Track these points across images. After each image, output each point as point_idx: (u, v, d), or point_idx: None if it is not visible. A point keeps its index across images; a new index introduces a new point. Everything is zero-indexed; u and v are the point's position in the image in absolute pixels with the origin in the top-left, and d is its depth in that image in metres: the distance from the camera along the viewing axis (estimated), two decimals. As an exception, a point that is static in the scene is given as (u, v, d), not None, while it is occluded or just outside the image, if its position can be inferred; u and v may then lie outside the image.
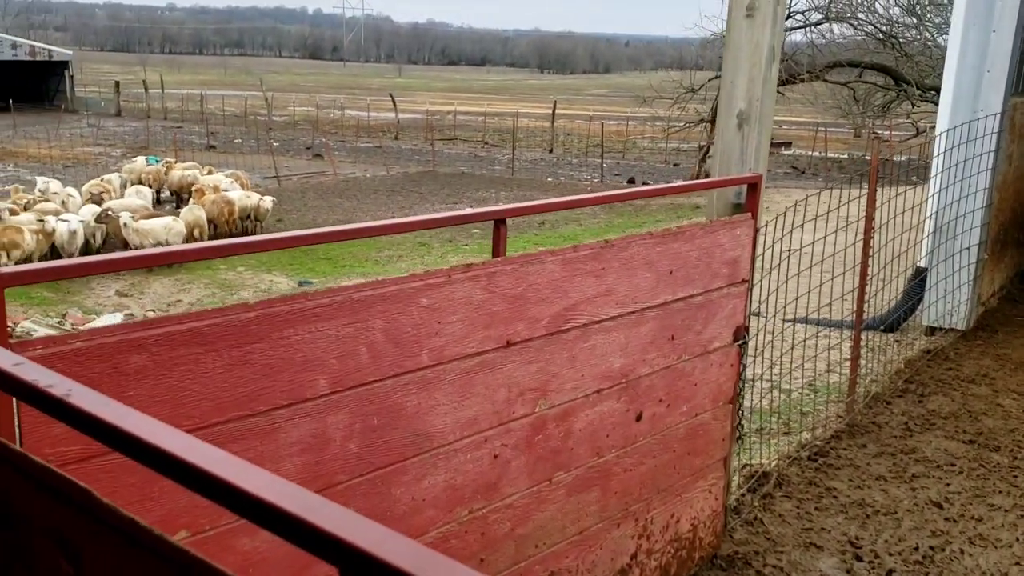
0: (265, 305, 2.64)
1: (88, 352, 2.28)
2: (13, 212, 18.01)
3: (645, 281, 3.83)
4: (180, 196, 25.63)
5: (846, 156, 40.44)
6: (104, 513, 1.33)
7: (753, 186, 4.38)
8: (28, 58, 59.30)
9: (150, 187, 24.85)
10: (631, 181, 32.41)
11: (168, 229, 17.89)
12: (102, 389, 2.42)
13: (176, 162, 28.48)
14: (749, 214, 4.38)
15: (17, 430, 2.19)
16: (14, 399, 2.22)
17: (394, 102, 53.78)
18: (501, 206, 3.49)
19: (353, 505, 2.93)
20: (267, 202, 21.78)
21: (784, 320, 6.47)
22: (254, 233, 21.47)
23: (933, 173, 7.77)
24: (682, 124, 32.61)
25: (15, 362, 1.52)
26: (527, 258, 3.34)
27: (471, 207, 25.68)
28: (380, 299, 2.90)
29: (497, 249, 3.29)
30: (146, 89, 62.08)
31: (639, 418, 4.00)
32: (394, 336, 2.96)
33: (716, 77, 31.31)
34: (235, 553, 2.64)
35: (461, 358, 3.18)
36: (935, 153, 7.73)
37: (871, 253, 6.39)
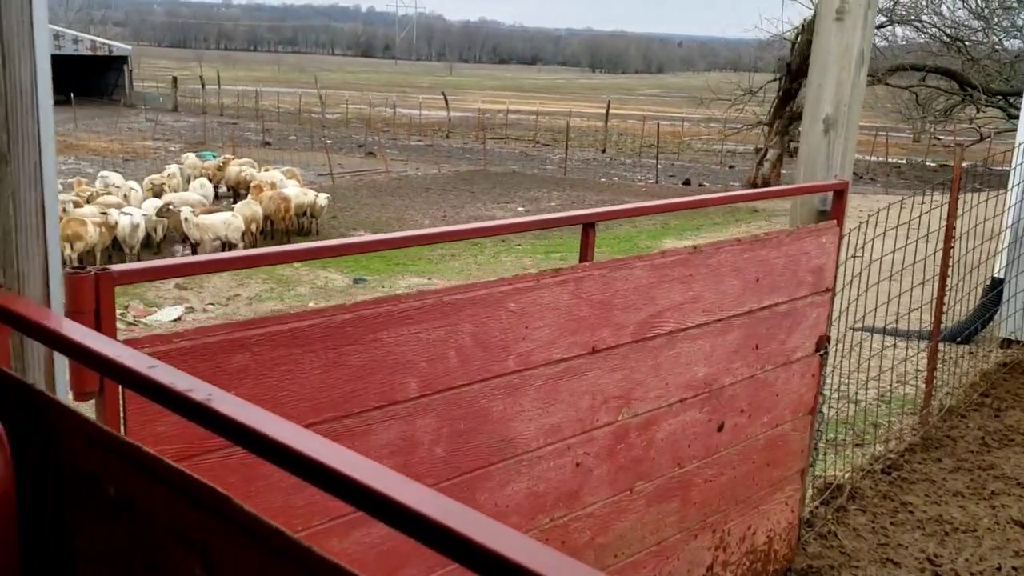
0: (359, 307, 2.62)
1: (193, 351, 2.28)
2: (77, 204, 18.40)
3: (731, 288, 3.75)
4: (237, 192, 25.98)
5: (904, 161, 39.65)
6: (245, 520, 1.31)
7: (839, 193, 4.27)
8: (89, 53, 60.60)
9: (209, 180, 25.24)
10: (687, 183, 32.11)
11: (227, 224, 18.13)
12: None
13: (232, 158, 28.89)
14: (834, 221, 4.27)
15: (122, 427, 2.19)
16: (121, 400, 2.23)
17: (446, 100, 53.97)
18: (590, 209, 3.44)
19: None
20: (322, 199, 21.97)
21: (854, 329, 6.32)
22: (309, 230, 21.69)
23: (1013, 184, 7.54)
24: (739, 126, 32.20)
25: (150, 365, 1.50)
26: (615, 263, 3.28)
27: (522, 207, 25.67)
28: (470, 303, 2.87)
29: (585, 253, 3.23)
30: (203, 85, 63.08)
31: (720, 428, 3.92)
32: (482, 340, 2.92)
33: (775, 79, 30.95)
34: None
35: (547, 364, 3.14)
36: (1015, 163, 7.49)
37: (950, 263, 6.21)
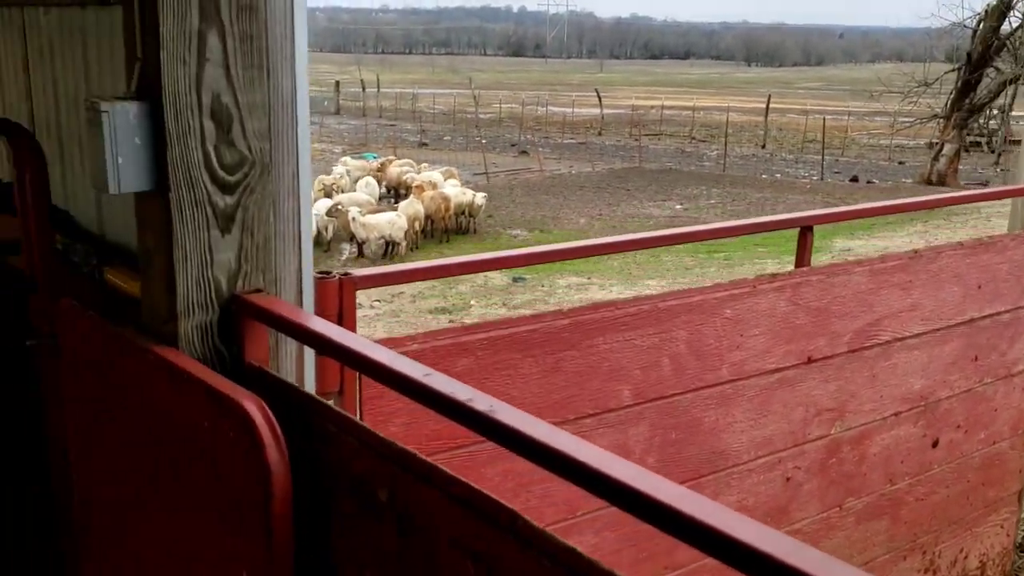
0: (577, 312, 2.59)
1: (423, 354, 2.31)
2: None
3: (952, 296, 3.51)
4: (397, 191, 26.76)
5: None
6: (534, 536, 1.29)
7: (1071, 193, 3.93)
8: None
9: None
10: (854, 180, 30.66)
11: (392, 224, 18.69)
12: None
13: (393, 159, 29.79)
14: (1065, 224, 3.93)
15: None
16: (357, 402, 2.29)
17: (599, 97, 53.78)
18: (807, 212, 3.29)
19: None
20: (480, 198, 22.29)
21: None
22: (467, 229, 22.07)
23: None
24: (912, 120, 30.45)
25: (424, 373, 1.51)
26: (833, 269, 3.12)
27: (680, 204, 25.23)
28: (685, 309, 2.79)
29: (802, 258, 3.09)
30: (363, 88, 65.38)
31: (935, 444, 3.68)
32: (696, 348, 2.84)
33: (954, 70, 29.10)
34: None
35: (760, 374, 3.02)
36: None
37: None
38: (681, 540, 1.11)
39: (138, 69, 1.83)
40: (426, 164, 29.14)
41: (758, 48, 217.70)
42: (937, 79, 28.89)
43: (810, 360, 3.12)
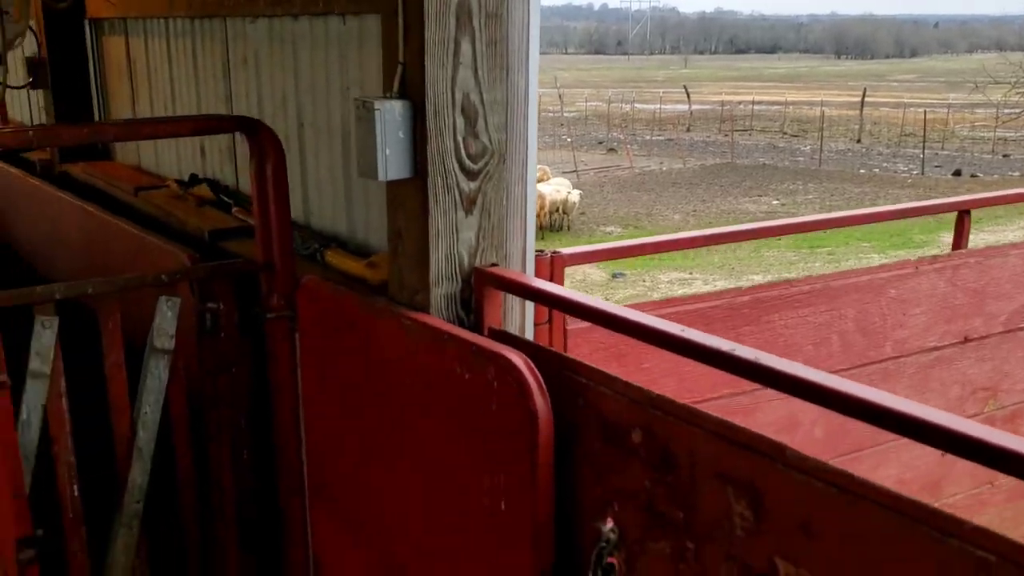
0: (756, 290, 2.79)
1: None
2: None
3: (1106, 279, 3.57)
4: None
5: None
6: (794, 461, 1.51)
7: None
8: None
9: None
10: (956, 173, 29.84)
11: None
12: (629, 360, 2.69)
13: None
14: None
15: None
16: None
17: (687, 93, 53.37)
18: (964, 196, 3.41)
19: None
20: (574, 196, 22.52)
21: None
22: (561, 226, 22.31)
23: None
24: (1019, 111, 29.44)
25: (680, 328, 1.75)
26: (990, 251, 3.24)
27: (777, 200, 24.98)
28: (854, 288, 2.96)
29: (959, 241, 3.23)
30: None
31: (1086, 426, 3.74)
32: (863, 325, 3.01)
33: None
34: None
35: (920, 352, 3.16)
36: None
37: None
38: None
39: (399, 72, 2.11)
40: (517, 162, 29.42)
41: (848, 40, 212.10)
42: (1047, 68, 27.89)
43: (966, 339, 3.24)
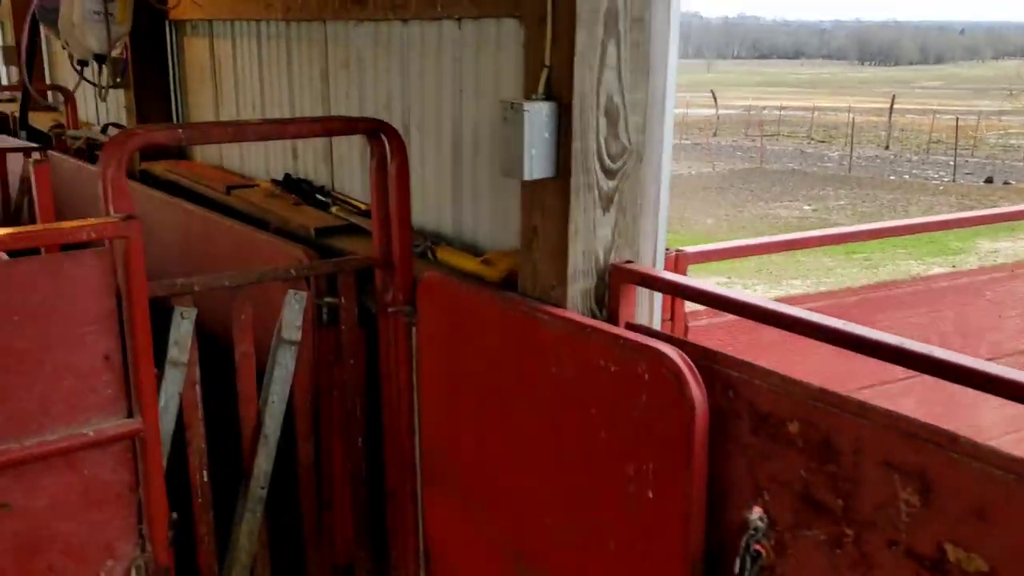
0: (865, 290, 2.86)
1: (736, 325, 2.61)
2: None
3: None
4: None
5: None
6: (964, 448, 1.57)
7: None
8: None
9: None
10: (988, 181, 29.65)
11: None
12: (748, 355, 2.76)
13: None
14: None
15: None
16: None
17: (715, 98, 53.27)
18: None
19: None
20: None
21: None
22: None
23: None
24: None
25: (843, 324, 1.81)
26: (1084, 256, 3.28)
27: (808, 205, 24.91)
28: (954, 290, 3.01)
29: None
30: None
31: None
32: (961, 327, 3.06)
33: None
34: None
35: (1015, 354, 3.20)
36: None
37: None
38: None
39: (545, 74, 2.18)
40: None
41: (871, 46, 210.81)
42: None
43: (1060, 343, 3.28)
